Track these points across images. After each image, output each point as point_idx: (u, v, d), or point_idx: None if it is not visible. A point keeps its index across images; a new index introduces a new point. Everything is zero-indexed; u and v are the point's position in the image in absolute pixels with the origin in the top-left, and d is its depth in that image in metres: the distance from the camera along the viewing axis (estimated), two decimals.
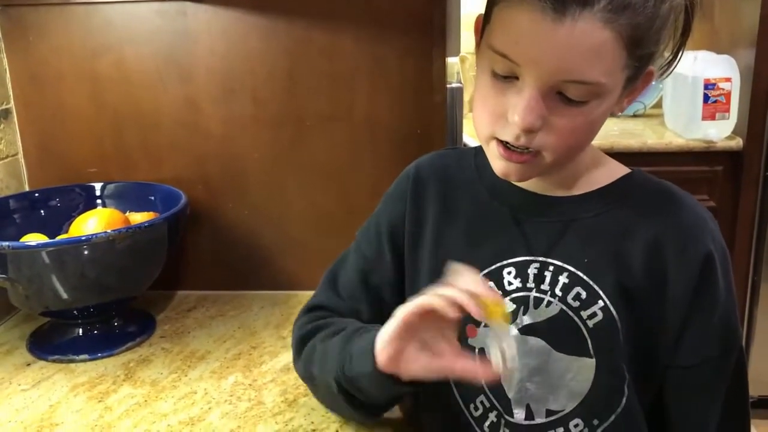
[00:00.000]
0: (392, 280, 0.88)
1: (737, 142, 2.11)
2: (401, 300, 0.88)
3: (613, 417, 0.75)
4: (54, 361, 1.12)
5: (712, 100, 2.09)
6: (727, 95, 2.09)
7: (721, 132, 2.10)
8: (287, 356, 1.11)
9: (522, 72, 0.66)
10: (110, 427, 0.94)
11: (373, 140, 1.28)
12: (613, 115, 0.73)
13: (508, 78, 0.68)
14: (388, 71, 1.24)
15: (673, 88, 2.26)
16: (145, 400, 1.01)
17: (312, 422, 0.94)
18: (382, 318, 0.86)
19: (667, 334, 0.74)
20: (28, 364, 1.12)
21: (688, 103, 2.13)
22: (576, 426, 0.76)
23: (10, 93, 1.30)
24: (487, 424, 0.80)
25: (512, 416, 0.78)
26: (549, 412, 0.77)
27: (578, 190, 0.78)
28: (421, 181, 0.86)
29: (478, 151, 0.84)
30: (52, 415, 0.98)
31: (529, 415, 0.78)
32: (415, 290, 0.85)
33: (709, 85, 2.09)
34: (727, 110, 2.09)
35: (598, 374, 0.75)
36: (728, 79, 2.08)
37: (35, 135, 1.32)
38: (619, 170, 0.80)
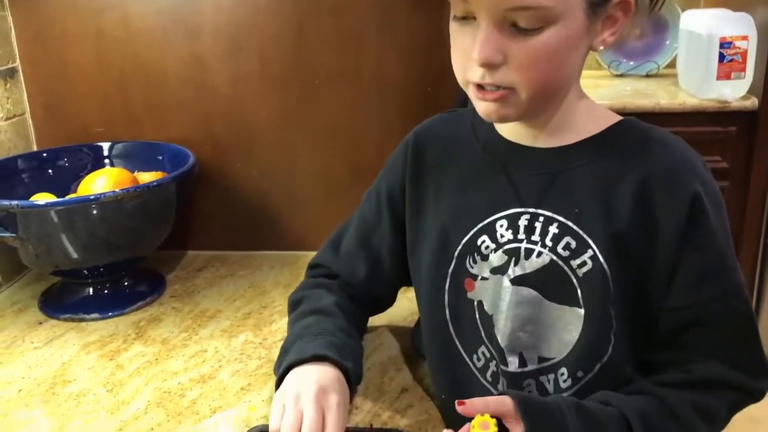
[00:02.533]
0: (390, 243, 0.91)
1: (752, 102, 2.08)
2: (397, 262, 0.90)
3: (597, 367, 0.76)
4: (65, 319, 1.13)
5: (727, 59, 2.04)
6: (744, 54, 2.04)
7: (736, 92, 2.06)
8: None
9: (473, 9, 0.69)
10: (122, 385, 0.95)
11: (381, 99, 1.26)
12: (594, 50, 0.73)
13: (466, 19, 0.70)
14: (397, 27, 1.22)
15: (688, 47, 2.22)
16: (156, 359, 1.01)
17: None
18: (377, 276, 0.93)
19: (659, 277, 0.74)
20: (40, 323, 1.13)
21: (702, 63, 2.09)
22: (562, 375, 0.78)
23: (16, 52, 1.29)
24: (489, 373, 0.82)
25: (507, 365, 0.79)
26: (541, 359, 0.79)
27: (568, 140, 0.78)
28: (420, 148, 0.88)
29: (475, 111, 0.84)
30: (65, 372, 0.99)
31: (522, 362, 0.79)
32: (419, 255, 0.86)
33: (724, 44, 2.04)
34: (743, 69, 2.05)
35: (587, 324, 0.75)
36: (745, 38, 2.04)
37: (42, 94, 1.31)
38: (611, 119, 0.79)
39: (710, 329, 0.75)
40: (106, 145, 1.30)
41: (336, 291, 0.93)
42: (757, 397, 0.78)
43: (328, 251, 0.97)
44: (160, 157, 1.26)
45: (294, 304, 0.94)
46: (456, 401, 0.69)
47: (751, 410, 0.79)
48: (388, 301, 0.99)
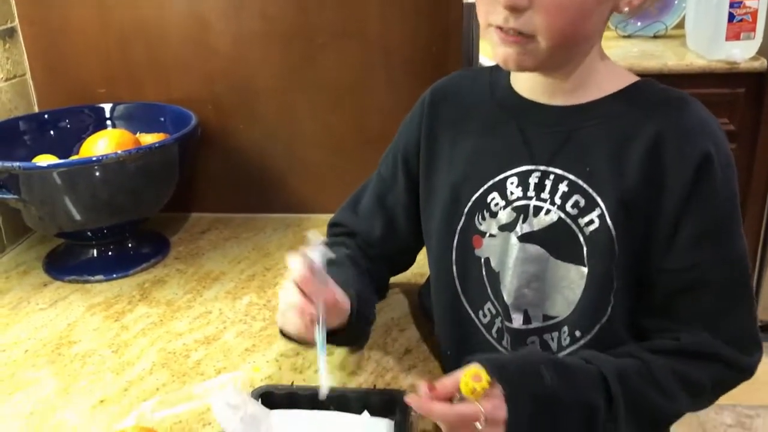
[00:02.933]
0: (405, 202, 0.91)
1: (761, 63, 2.04)
2: (412, 222, 0.90)
3: (597, 328, 0.76)
4: (70, 281, 1.13)
5: (737, 18, 2.01)
6: (754, 14, 2.00)
7: (745, 52, 2.03)
8: None
9: None
10: (127, 346, 0.96)
11: (386, 59, 1.24)
12: (619, 11, 0.72)
13: None
14: None
15: (697, 6, 2.18)
16: (161, 320, 1.02)
17: None
18: (393, 236, 0.92)
19: (660, 237, 0.73)
20: (45, 285, 1.13)
21: (711, 23, 2.05)
22: (563, 332, 0.78)
23: (14, 11, 1.27)
24: (494, 330, 0.83)
25: (511, 321, 0.80)
26: (546, 317, 0.79)
27: (585, 98, 0.77)
28: (435, 106, 0.87)
29: (494, 68, 0.85)
30: (70, 333, 0.99)
31: (527, 320, 0.80)
32: (430, 212, 0.86)
33: (734, 4, 2.00)
34: (753, 29, 2.01)
35: (589, 283, 0.75)
36: None
37: (42, 54, 1.30)
38: (629, 79, 0.78)
39: (704, 296, 0.75)
40: (107, 107, 1.29)
41: (352, 248, 0.93)
42: (746, 374, 0.77)
43: (347, 210, 0.97)
44: (162, 119, 1.25)
45: None
46: (427, 387, 0.67)
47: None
48: (407, 261, 0.99)
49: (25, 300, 1.08)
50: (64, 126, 1.26)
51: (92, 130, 1.25)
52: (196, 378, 0.89)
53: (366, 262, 0.92)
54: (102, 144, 1.12)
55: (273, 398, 0.79)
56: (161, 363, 0.92)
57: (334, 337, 0.79)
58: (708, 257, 0.74)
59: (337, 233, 0.97)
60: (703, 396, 0.76)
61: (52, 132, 1.25)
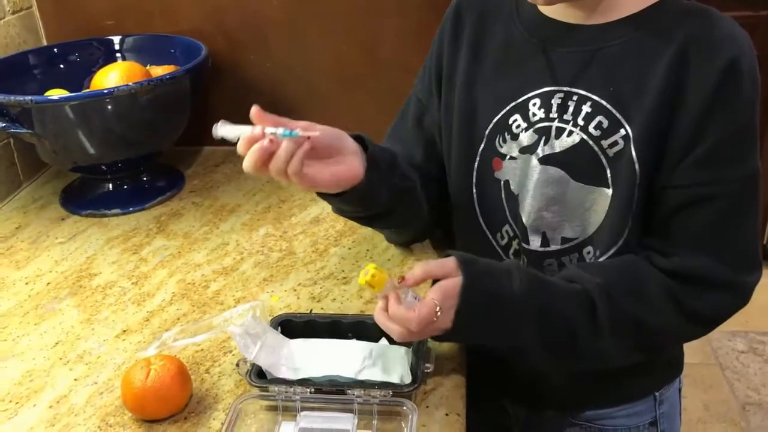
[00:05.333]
0: (439, 120, 0.88)
1: None
2: None
3: (613, 250, 0.76)
4: (87, 215, 1.14)
5: None
6: None
7: None
8: (316, 209, 1.12)
9: None
10: (146, 277, 0.97)
11: None
12: None
13: None
14: None
15: None
16: (179, 252, 1.03)
17: (343, 270, 0.96)
18: (433, 160, 0.89)
19: (674, 153, 0.72)
20: (63, 219, 1.14)
21: None
22: (588, 253, 0.78)
23: None
24: (511, 251, 0.83)
25: (528, 243, 0.80)
26: (564, 240, 0.79)
27: (611, 17, 0.75)
28: (461, 14, 0.85)
29: None
30: (90, 266, 1.01)
31: (545, 242, 0.80)
32: (449, 133, 0.85)
33: None
34: None
35: (613, 205, 0.75)
36: None
37: None
38: None
39: (708, 215, 0.73)
40: (116, 39, 1.27)
41: None
42: (742, 295, 0.74)
43: (391, 138, 0.93)
44: (173, 50, 1.23)
45: None
46: (397, 280, 0.69)
47: None
48: None
49: (44, 234, 1.10)
50: (73, 59, 1.25)
51: (102, 63, 1.24)
52: (216, 308, 0.90)
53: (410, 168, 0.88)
54: (113, 77, 1.11)
55: (292, 327, 0.80)
56: (181, 293, 0.93)
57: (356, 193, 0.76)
58: (719, 173, 0.72)
59: None
60: (703, 324, 0.75)
61: (62, 66, 1.24)
